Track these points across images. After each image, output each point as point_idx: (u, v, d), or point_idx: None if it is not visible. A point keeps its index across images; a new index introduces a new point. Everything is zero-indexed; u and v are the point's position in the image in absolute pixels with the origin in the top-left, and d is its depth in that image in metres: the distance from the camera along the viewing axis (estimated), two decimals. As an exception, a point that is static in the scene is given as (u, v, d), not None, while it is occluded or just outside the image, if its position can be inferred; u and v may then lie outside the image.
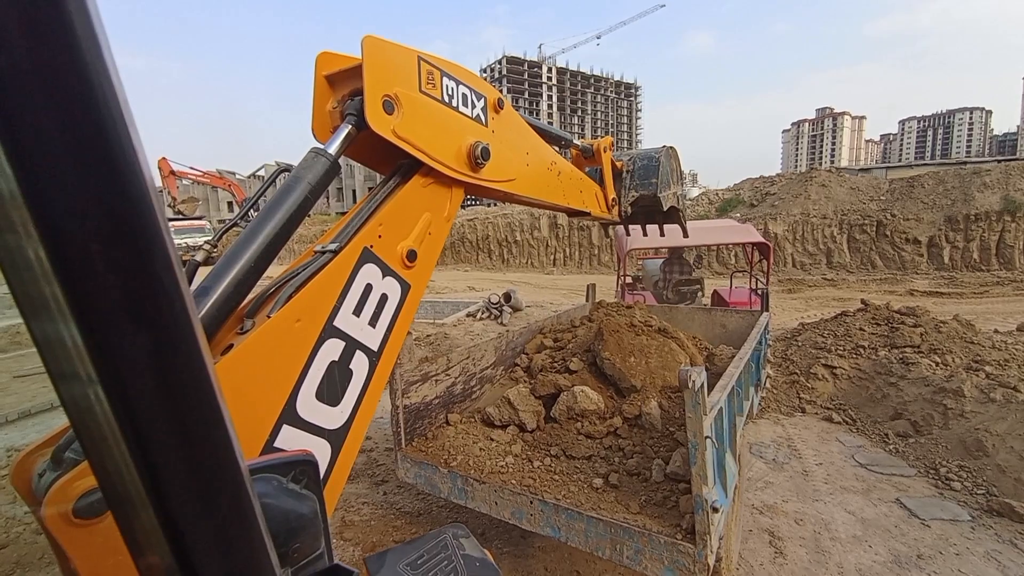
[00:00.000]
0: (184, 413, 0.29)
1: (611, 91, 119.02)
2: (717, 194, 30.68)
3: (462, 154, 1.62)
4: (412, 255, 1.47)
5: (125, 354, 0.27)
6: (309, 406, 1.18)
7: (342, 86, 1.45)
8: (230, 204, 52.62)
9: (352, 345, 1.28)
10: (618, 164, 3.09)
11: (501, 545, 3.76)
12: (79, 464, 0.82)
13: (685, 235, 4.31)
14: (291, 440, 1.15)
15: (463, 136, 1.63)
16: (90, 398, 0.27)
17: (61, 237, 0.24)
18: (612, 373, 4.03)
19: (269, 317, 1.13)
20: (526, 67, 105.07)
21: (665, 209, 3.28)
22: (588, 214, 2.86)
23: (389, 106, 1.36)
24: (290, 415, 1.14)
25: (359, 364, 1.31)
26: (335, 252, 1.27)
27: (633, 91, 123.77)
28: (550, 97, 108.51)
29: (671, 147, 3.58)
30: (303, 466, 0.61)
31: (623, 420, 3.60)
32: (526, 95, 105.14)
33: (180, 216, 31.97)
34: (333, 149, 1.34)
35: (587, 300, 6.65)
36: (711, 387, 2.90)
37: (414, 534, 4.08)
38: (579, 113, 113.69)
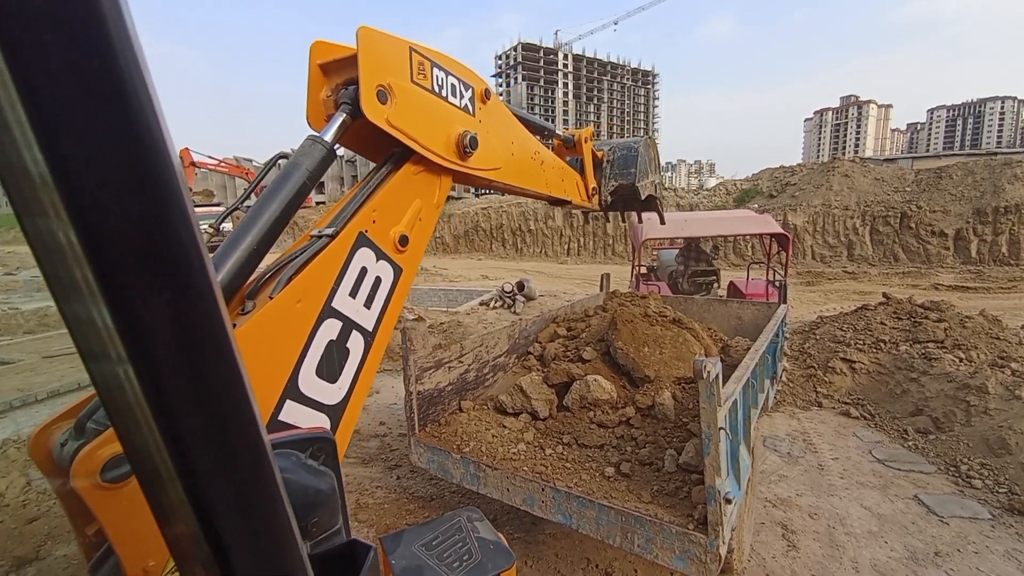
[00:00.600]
0: (209, 388, 0.30)
1: (628, 79, 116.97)
2: (735, 184, 30.12)
3: (451, 143, 1.67)
4: (404, 240, 1.52)
5: (153, 331, 0.27)
6: (310, 382, 1.24)
7: (336, 75, 1.48)
8: (248, 192, 53.08)
9: (349, 325, 1.34)
10: (598, 154, 3.17)
11: (512, 531, 3.80)
12: (103, 433, 0.86)
13: (662, 222, 4.48)
14: (294, 415, 1.20)
15: (452, 125, 1.68)
16: (119, 375, 0.28)
17: (90, 219, 0.24)
18: (625, 363, 4.01)
19: (271, 298, 1.18)
20: (542, 54, 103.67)
21: (643, 198, 3.35)
22: (569, 202, 2.94)
23: (383, 96, 1.41)
24: (293, 391, 1.20)
25: (355, 343, 1.36)
26: (332, 236, 1.32)
27: (650, 79, 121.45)
28: (566, 85, 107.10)
29: (650, 137, 3.64)
30: (321, 443, 0.62)
31: (636, 410, 3.59)
32: (541, 83, 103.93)
33: (201, 203, 32.52)
34: (329, 136, 1.38)
35: (601, 290, 6.61)
36: (726, 378, 2.87)
37: (427, 518, 4.15)
38: (595, 101, 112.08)
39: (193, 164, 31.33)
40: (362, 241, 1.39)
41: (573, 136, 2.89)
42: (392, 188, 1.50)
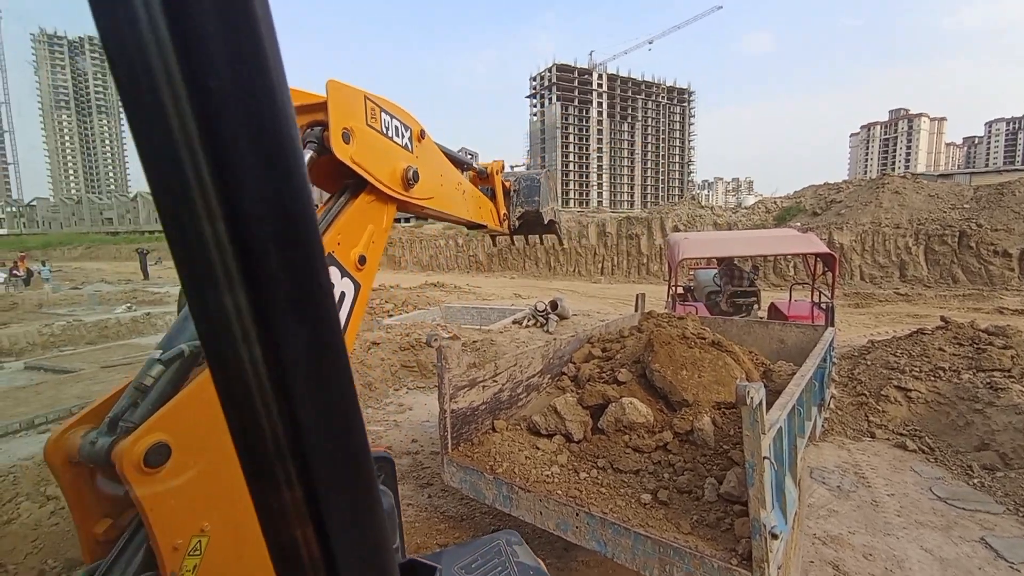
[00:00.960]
0: (331, 397, 0.33)
1: (663, 97, 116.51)
2: (775, 202, 29.24)
3: (397, 176, 1.96)
4: (362, 259, 1.77)
5: (288, 344, 0.30)
6: None
7: (301, 116, 1.72)
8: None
9: None
10: (507, 184, 3.54)
11: (544, 556, 3.71)
12: (139, 427, 0.99)
13: (560, 244, 4.79)
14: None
15: (398, 161, 1.97)
16: (252, 387, 0.30)
17: (245, 237, 0.27)
18: (662, 386, 3.91)
19: None
20: (576, 74, 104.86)
21: (546, 223, 3.77)
22: (485, 227, 3.28)
23: (347, 137, 1.68)
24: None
25: None
26: None
27: (686, 96, 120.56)
28: (600, 104, 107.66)
29: (549, 170, 4.04)
30: (382, 462, 0.64)
31: (673, 435, 3.48)
32: (576, 103, 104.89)
33: None
34: None
35: (636, 310, 6.51)
36: (769, 405, 2.75)
37: (457, 538, 4.12)
38: (629, 120, 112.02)
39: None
40: (330, 260, 1.59)
41: (486, 168, 3.28)
42: (351, 215, 1.74)
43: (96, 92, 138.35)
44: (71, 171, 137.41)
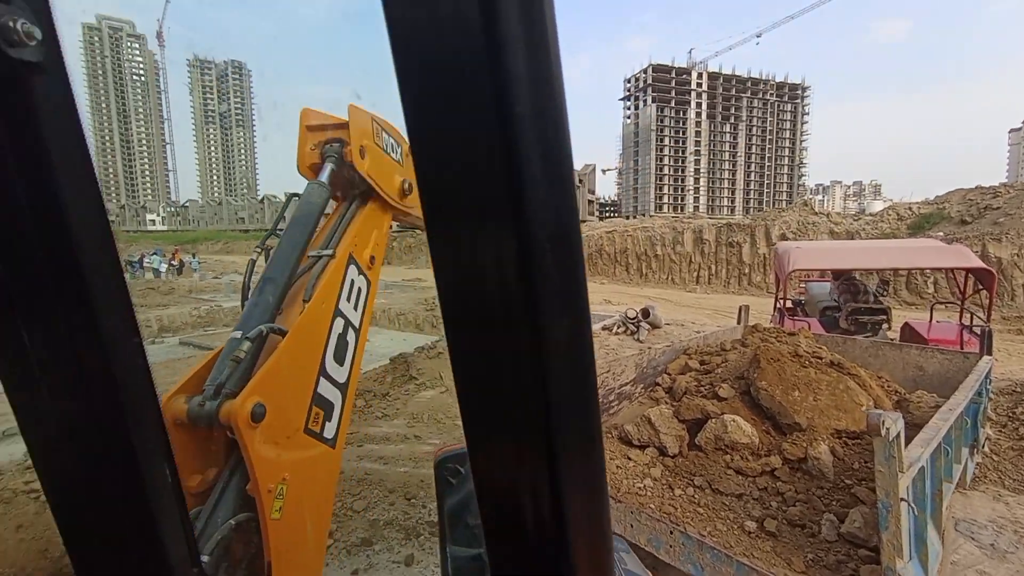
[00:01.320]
0: (579, 384, 0.35)
1: (771, 94, 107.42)
2: (909, 208, 25.59)
3: (396, 187, 2.20)
4: (372, 259, 2.03)
5: (552, 333, 0.33)
6: (331, 365, 1.66)
7: (319, 134, 2.00)
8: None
9: (347, 322, 1.78)
10: None
11: (631, 572, 3.58)
12: (240, 392, 1.25)
13: None
14: (325, 390, 1.62)
15: (396, 175, 2.21)
16: (515, 369, 0.33)
17: (530, 239, 0.32)
18: (770, 406, 3.59)
19: (305, 302, 1.58)
20: (673, 74, 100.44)
21: None
22: None
23: (363, 153, 1.93)
24: (323, 371, 1.63)
25: (351, 336, 1.80)
26: (331, 256, 1.76)
27: (799, 92, 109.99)
28: (698, 104, 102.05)
29: None
30: None
31: (783, 460, 3.18)
32: (672, 103, 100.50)
33: None
34: (325, 178, 1.92)
35: (738, 322, 6.06)
36: (908, 439, 2.39)
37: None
38: (732, 120, 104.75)
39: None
40: (351, 260, 1.87)
41: None
42: (362, 221, 2.01)
43: (235, 109, 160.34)
44: (215, 177, 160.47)
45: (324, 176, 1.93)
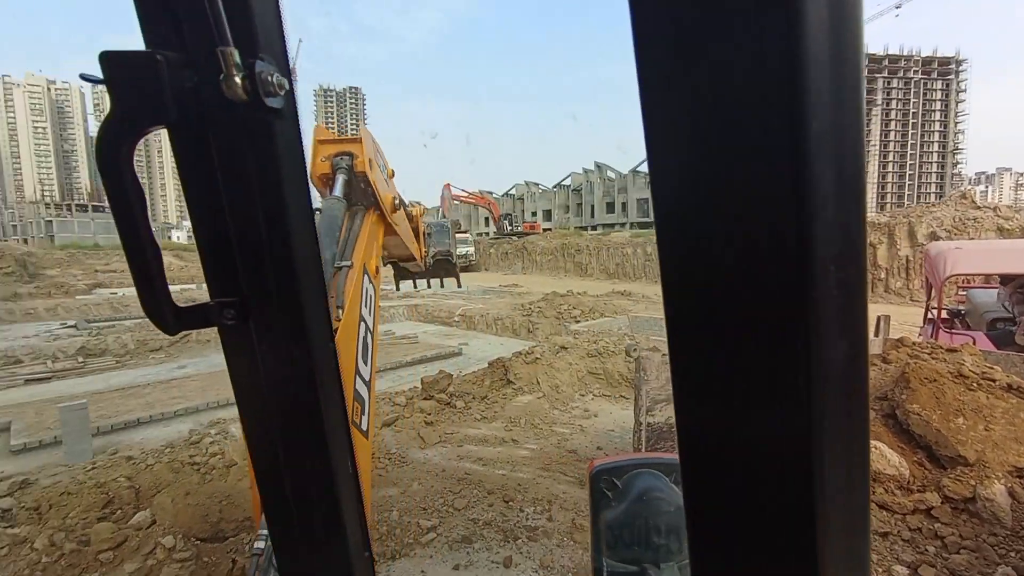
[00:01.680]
0: (851, 411, 0.33)
1: (915, 71, 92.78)
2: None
3: (390, 201, 2.49)
4: (377, 268, 2.31)
5: (825, 353, 0.31)
6: (360, 365, 1.87)
7: (329, 148, 2.26)
8: (486, 220, 61.68)
9: (366, 326, 2.00)
10: (422, 228, 4.03)
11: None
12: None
13: (459, 285, 5.24)
14: (359, 386, 1.80)
15: (388, 191, 2.49)
16: (781, 385, 0.32)
17: (816, 256, 0.30)
18: (924, 433, 3.07)
19: (340, 308, 1.78)
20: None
21: (454, 261, 4.58)
22: (413, 259, 3.85)
23: (371, 165, 2.24)
24: (357, 370, 1.82)
25: (368, 338, 2.02)
26: (350, 266, 1.97)
27: (952, 67, 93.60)
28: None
29: (456, 220, 4.41)
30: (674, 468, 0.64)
31: (943, 499, 2.70)
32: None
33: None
34: (340, 193, 2.15)
35: (876, 335, 5.30)
36: None
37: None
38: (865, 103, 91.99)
39: (453, 197, 38.04)
40: (365, 269, 2.10)
41: (412, 211, 3.70)
42: (368, 232, 2.25)
43: (351, 129, 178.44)
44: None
45: (338, 190, 2.17)
